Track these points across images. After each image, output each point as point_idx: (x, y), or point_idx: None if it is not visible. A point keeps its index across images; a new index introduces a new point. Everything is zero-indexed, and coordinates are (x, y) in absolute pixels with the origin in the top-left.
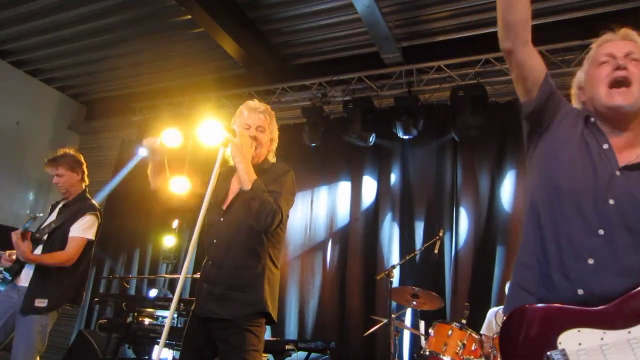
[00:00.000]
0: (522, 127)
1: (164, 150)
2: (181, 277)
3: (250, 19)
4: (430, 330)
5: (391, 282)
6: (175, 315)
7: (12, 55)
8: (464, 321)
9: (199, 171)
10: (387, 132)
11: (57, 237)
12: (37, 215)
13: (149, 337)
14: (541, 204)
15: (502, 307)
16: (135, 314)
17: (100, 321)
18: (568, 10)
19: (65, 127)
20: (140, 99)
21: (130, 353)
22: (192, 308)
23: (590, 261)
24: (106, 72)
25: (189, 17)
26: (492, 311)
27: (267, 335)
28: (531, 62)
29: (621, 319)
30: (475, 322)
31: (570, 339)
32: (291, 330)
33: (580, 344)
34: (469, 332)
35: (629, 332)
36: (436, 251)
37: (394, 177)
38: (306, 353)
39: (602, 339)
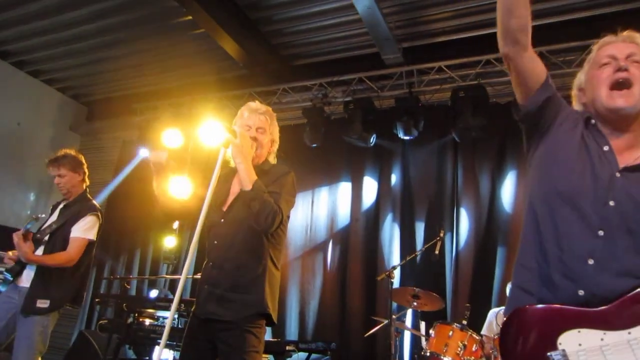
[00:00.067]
0: (522, 129)
1: (170, 163)
2: (182, 277)
3: (251, 20)
4: (431, 331)
5: (392, 283)
6: (176, 316)
7: (13, 56)
8: (464, 322)
9: (200, 172)
10: (387, 133)
11: (58, 238)
12: (39, 216)
13: (149, 338)
14: (541, 205)
15: (502, 307)
16: (136, 315)
17: (101, 322)
18: (569, 11)
19: (66, 127)
20: (141, 100)
21: (131, 354)
22: (192, 309)
23: (591, 262)
24: (107, 73)
25: (190, 18)
26: (492, 312)
27: (268, 336)
28: (531, 66)
29: (621, 319)
30: (476, 323)
31: (570, 340)
32: (292, 331)
33: (580, 345)
34: (469, 333)
35: (629, 333)
36: (437, 252)
37: (394, 178)
38: (307, 354)
39: (602, 339)
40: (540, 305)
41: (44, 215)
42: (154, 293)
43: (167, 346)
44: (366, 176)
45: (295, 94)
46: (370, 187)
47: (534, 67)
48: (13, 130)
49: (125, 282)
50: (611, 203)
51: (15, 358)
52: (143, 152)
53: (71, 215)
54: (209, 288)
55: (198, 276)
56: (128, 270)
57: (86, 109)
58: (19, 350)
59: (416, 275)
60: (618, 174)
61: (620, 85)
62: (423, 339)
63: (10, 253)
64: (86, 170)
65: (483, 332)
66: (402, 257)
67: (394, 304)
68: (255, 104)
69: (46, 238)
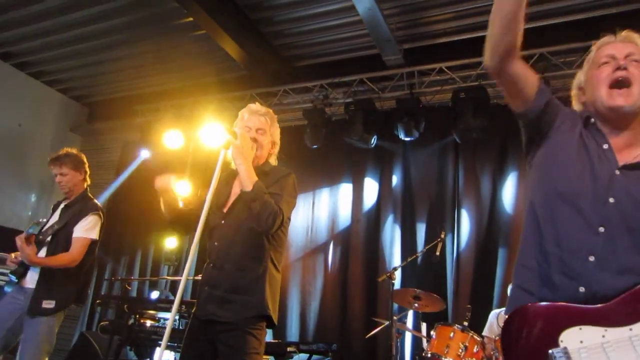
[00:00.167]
0: (522, 133)
1: (175, 188)
2: (183, 279)
3: (252, 21)
4: (432, 333)
5: (393, 284)
6: (177, 317)
7: (15, 57)
8: (465, 323)
9: (201, 173)
10: (388, 134)
11: (60, 239)
12: (41, 220)
13: (150, 339)
14: (540, 205)
15: (504, 308)
16: (137, 316)
17: (102, 323)
18: (570, 12)
19: (68, 129)
20: (143, 101)
21: (132, 355)
22: (193, 310)
23: (591, 259)
24: (108, 75)
25: (191, 19)
26: (494, 313)
27: (269, 337)
28: (525, 73)
29: (622, 316)
30: (477, 324)
31: (571, 337)
32: (293, 333)
33: (581, 342)
34: (470, 334)
35: (630, 330)
36: (438, 253)
37: (395, 179)
38: (308, 355)
39: (603, 336)
40: (541, 303)
41: (45, 220)
42: (155, 294)
43: (168, 347)
44: (367, 177)
45: (296, 95)
46: (371, 188)
47: (527, 74)
48: (14, 131)
49: (126, 284)
50: (611, 200)
51: (21, 358)
52: (144, 154)
53: (73, 216)
54: (209, 289)
55: (199, 277)
56: (129, 272)
57: (87, 110)
58: (26, 350)
59: (417, 277)
60: (617, 172)
61: (620, 84)
62: (424, 340)
63: (12, 255)
64: (87, 170)
65: (484, 333)
66: (403, 258)
67: (395, 305)
68: (256, 106)
69: (48, 239)
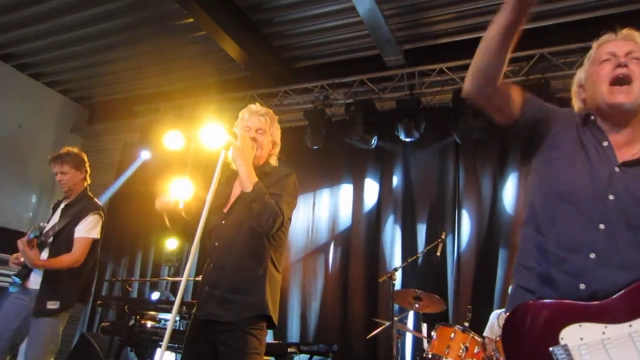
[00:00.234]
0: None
1: (178, 206)
2: (183, 279)
3: (252, 22)
4: (433, 333)
5: (393, 285)
6: (178, 318)
7: (15, 59)
8: (466, 324)
9: (201, 174)
10: (389, 135)
11: (62, 239)
12: (42, 224)
13: (151, 340)
14: (540, 205)
15: (504, 309)
16: (138, 317)
17: (103, 324)
18: (570, 12)
19: (68, 130)
20: (143, 102)
21: (132, 356)
22: (193, 311)
23: (592, 255)
24: (109, 75)
25: (191, 20)
26: (494, 314)
27: (269, 338)
28: (505, 97)
29: (622, 312)
30: (478, 325)
31: (572, 334)
32: (293, 333)
33: (582, 339)
34: (471, 334)
35: (630, 326)
36: (438, 254)
37: (396, 180)
38: (308, 356)
39: (603, 333)
40: (541, 301)
41: (45, 223)
42: (155, 295)
43: (168, 348)
44: (367, 178)
45: (296, 96)
46: (371, 189)
47: (508, 98)
48: (15, 133)
49: (126, 285)
50: (611, 197)
51: (27, 358)
52: (144, 154)
53: (73, 216)
54: (209, 289)
55: (200, 278)
56: (130, 273)
57: (88, 111)
58: (31, 351)
59: (418, 277)
60: (617, 169)
61: (621, 81)
62: (425, 341)
63: (14, 256)
64: (88, 169)
65: (485, 333)
66: (404, 258)
67: (396, 306)
68: (256, 106)
69: (50, 240)
